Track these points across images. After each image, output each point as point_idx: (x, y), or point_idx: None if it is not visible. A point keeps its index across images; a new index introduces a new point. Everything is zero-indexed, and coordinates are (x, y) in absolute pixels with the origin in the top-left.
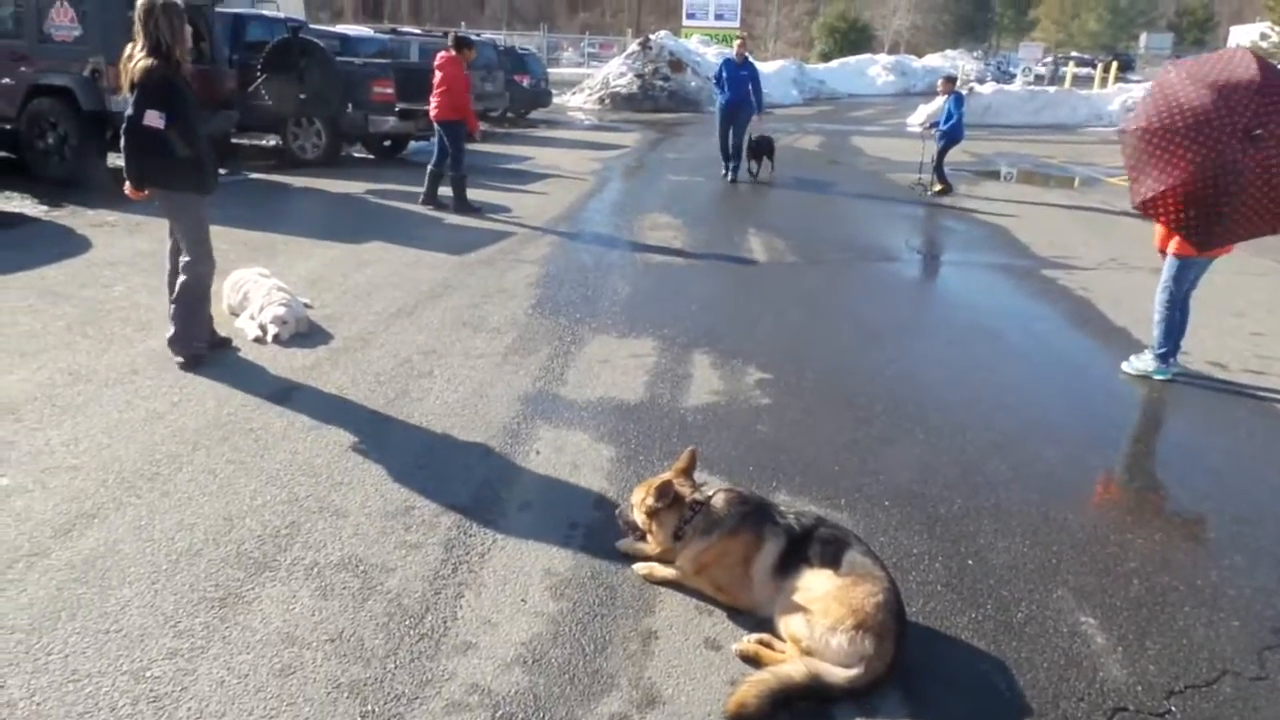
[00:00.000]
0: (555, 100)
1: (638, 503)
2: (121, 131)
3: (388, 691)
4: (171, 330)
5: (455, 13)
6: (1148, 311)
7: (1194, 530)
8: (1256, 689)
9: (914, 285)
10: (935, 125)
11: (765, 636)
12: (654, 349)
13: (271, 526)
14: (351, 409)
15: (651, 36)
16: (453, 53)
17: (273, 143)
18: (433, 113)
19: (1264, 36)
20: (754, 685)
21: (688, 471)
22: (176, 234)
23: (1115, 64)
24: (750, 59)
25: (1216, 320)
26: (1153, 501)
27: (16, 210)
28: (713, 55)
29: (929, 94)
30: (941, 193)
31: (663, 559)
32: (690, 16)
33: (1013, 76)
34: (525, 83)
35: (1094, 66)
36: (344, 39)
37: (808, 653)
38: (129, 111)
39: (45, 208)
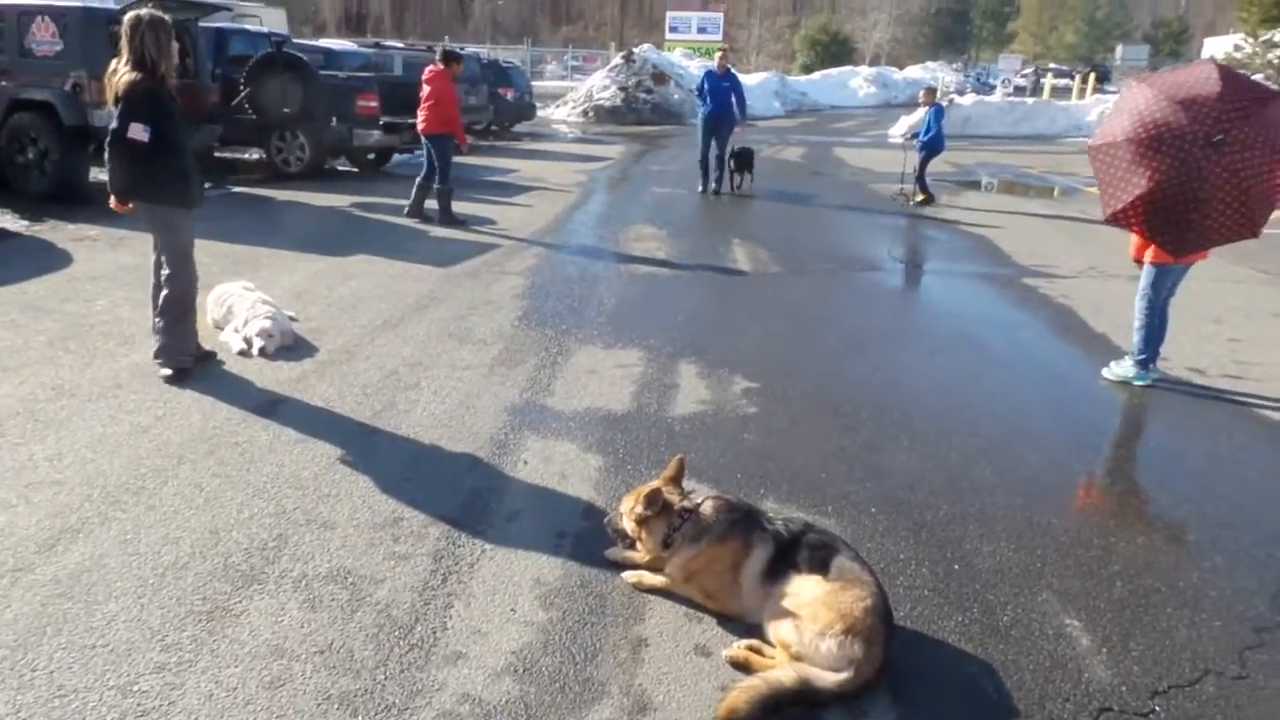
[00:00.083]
0: (539, 113)
1: (627, 511)
2: (106, 144)
3: (378, 702)
4: (157, 344)
5: (438, 27)
6: (1127, 318)
7: (1175, 533)
8: (1238, 688)
9: (898, 294)
10: (916, 136)
11: (755, 642)
12: (640, 359)
13: (259, 539)
14: (338, 421)
15: (635, 50)
16: (441, 67)
17: (256, 156)
18: (420, 126)
19: (1238, 48)
20: (744, 690)
21: (676, 479)
22: (160, 247)
23: (1093, 75)
24: (732, 70)
25: (1195, 327)
26: (1135, 505)
27: None
28: (696, 68)
29: (910, 105)
30: (924, 203)
31: (652, 567)
32: (673, 30)
33: (992, 88)
34: (509, 96)
35: (1072, 78)
36: (327, 53)
37: (797, 658)
38: (113, 125)
39: (26, 223)
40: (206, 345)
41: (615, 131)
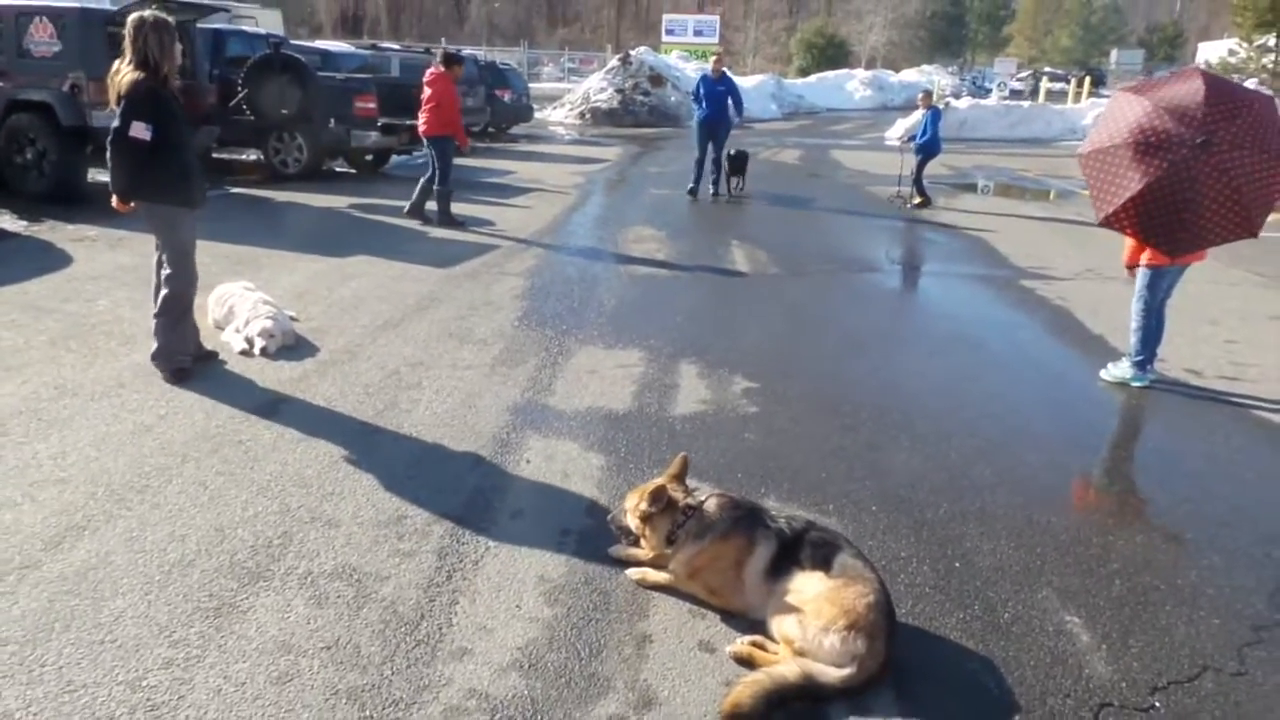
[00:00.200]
0: (536, 115)
1: (631, 508)
2: (108, 143)
3: (385, 697)
4: (155, 346)
5: (434, 28)
6: (1124, 320)
7: (1174, 532)
8: (1237, 684)
9: (896, 296)
10: (913, 139)
11: (758, 638)
12: (641, 359)
13: (264, 537)
14: (341, 420)
15: (632, 52)
16: (442, 69)
17: (254, 157)
18: (422, 128)
19: (1232, 52)
20: (749, 686)
21: (680, 477)
22: (161, 247)
23: (1088, 79)
24: (727, 74)
25: (1191, 328)
26: (1133, 504)
27: None
28: (692, 70)
29: (906, 109)
30: (921, 205)
31: (655, 564)
32: (669, 33)
33: (988, 92)
34: (506, 98)
35: (1067, 81)
36: (325, 55)
37: (801, 653)
38: (115, 124)
39: (25, 223)
40: (208, 345)
41: (612, 133)
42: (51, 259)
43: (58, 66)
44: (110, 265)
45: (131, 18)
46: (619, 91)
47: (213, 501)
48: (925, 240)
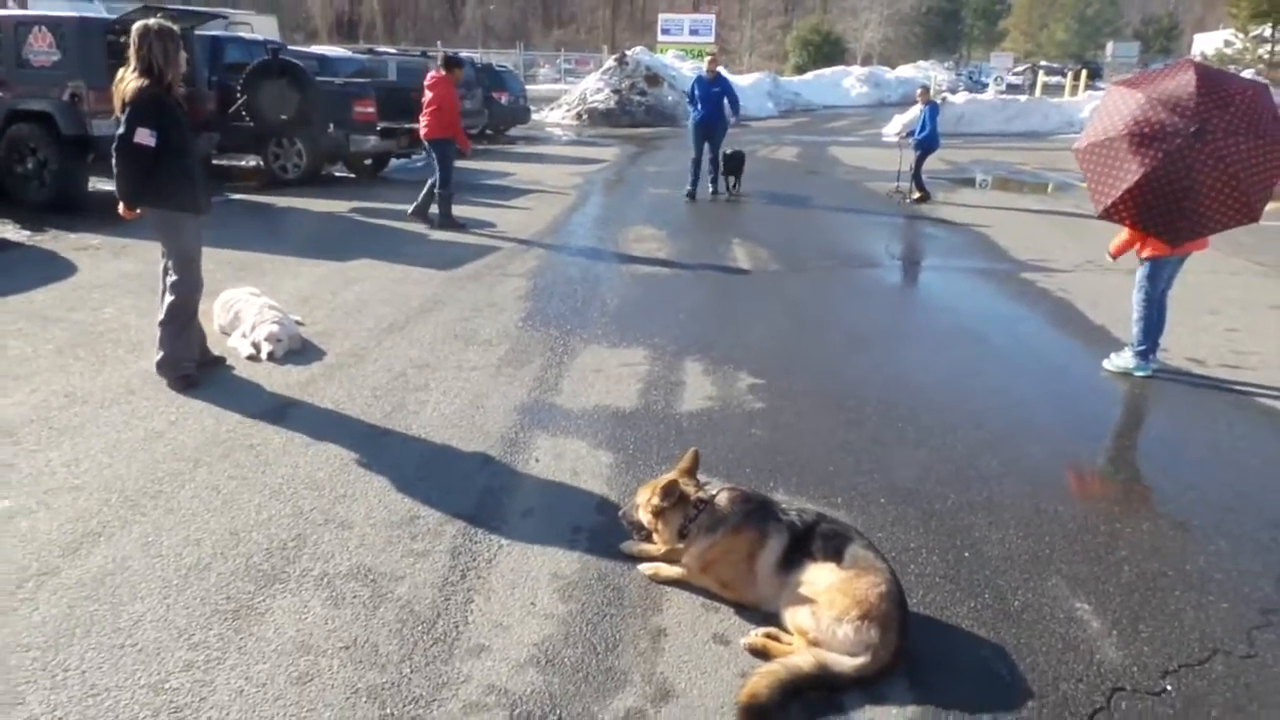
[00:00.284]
0: (533, 117)
1: (643, 503)
2: (113, 150)
3: (405, 695)
4: (160, 354)
5: (430, 32)
6: (1125, 310)
7: (1180, 519)
8: (1247, 666)
9: (898, 290)
10: (912, 134)
11: (772, 630)
12: (645, 357)
13: (278, 539)
14: (349, 423)
15: (628, 52)
16: (443, 72)
17: (253, 163)
18: (423, 131)
19: (1228, 44)
20: (764, 676)
21: (691, 472)
22: (166, 252)
23: (1084, 72)
24: (722, 74)
25: (1193, 318)
26: (1139, 492)
27: None
28: (689, 69)
29: (903, 104)
30: (920, 200)
31: (667, 559)
32: (665, 32)
33: (984, 86)
34: (504, 100)
35: (1064, 75)
36: (322, 59)
37: (815, 644)
38: (120, 130)
39: (28, 233)
40: (215, 350)
41: (610, 134)
42: (56, 268)
43: (57, 76)
44: (115, 273)
45: (136, 25)
46: (616, 92)
47: (226, 505)
48: (925, 235)
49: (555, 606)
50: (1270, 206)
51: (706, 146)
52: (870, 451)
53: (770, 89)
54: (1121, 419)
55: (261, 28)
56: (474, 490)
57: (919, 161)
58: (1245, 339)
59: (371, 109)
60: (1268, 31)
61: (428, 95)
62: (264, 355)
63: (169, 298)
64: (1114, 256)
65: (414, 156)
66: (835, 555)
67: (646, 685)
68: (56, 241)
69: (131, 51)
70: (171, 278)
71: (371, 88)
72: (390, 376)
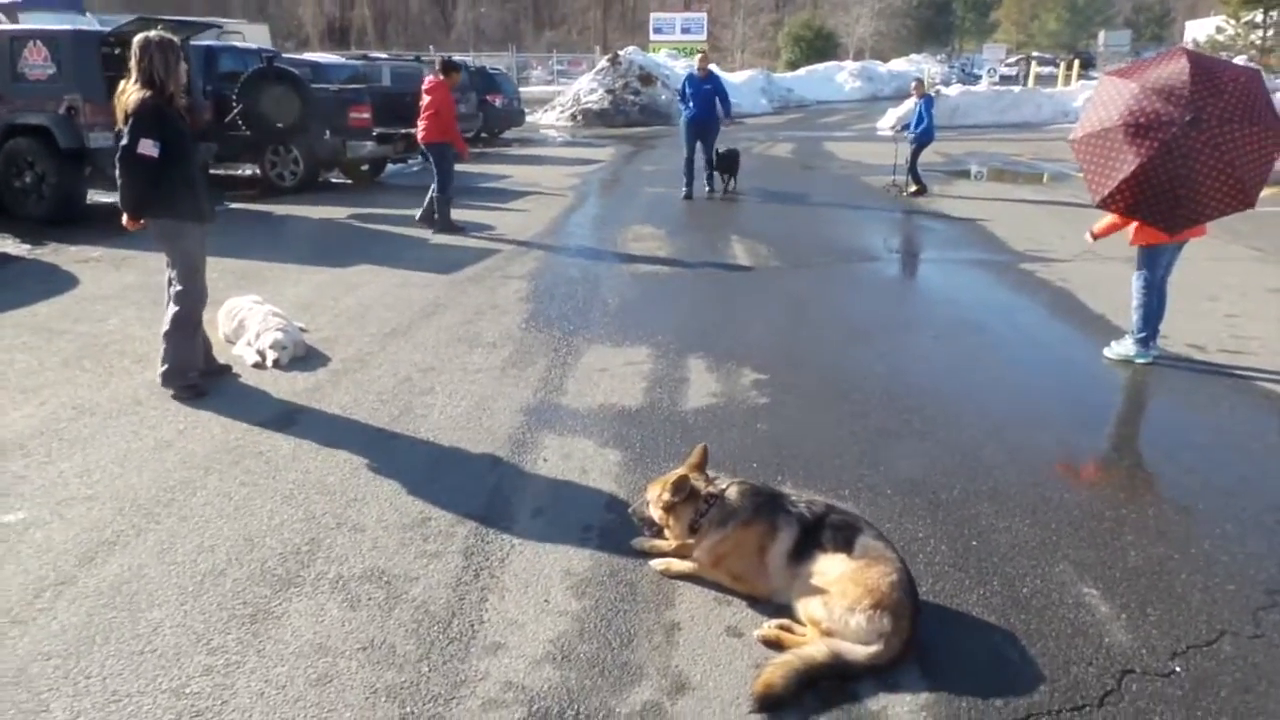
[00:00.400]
0: (527, 119)
1: (654, 499)
2: (116, 161)
3: (424, 693)
4: (164, 366)
5: (421, 36)
6: (1125, 299)
7: (1184, 503)
8: (1254, 646)
9: (898, 284)
10: (907, 128)
11: (785, 621)
12: (649, 356)
13: (292, 544)
14: (357, 428)
15: (621, 52)
16: (441, 77)
17: (250, 172)
18: (420, 135)
19: (1219, 30)
20: (779, 667)
21: (700, 467)
22: (170, 262)
23: (1076, 62)
24: (714, 71)
25: (1192, 305)
26: (1143, 478)
27: None
28: (681, 68)
29: (897, 98)
30: (916, 193)
31: (678, 554)
32: (657, 31)
33: (977, 78)
34: (498, 102)
35: (1056, 65)
36: (316, 66)
37: (828, 634)
38: (124, 141)
39: (28, 246)
40: (221, 359)
41: (604, 134)
42: (58, 281)
43: (53, 89)
44: (117, 285)
45: (137, 38)
46: (609, 92)
47: (238, 512)
48: (923, 228)
49: (569, 603)
50: (1265, 192)
51: (700, 146)
52: (875, 443)
53: (764, 85)
54: (1124, 406)
55: (253, 36)
56: (484, 491)
57: (915, 155)
58: (1245, 324)
59: (367, 115)
60: (1259, 18)
61: (425, 99)
62: (269, 363)
63: (173, 308)
64: (1095, 238)
65: (410, 161)
66: (846, 546)
67: (662, 678)
68: (57, 254)
69: (132, 63)
70: (176, 288)
71: (367, 93)
72: (396, 381)
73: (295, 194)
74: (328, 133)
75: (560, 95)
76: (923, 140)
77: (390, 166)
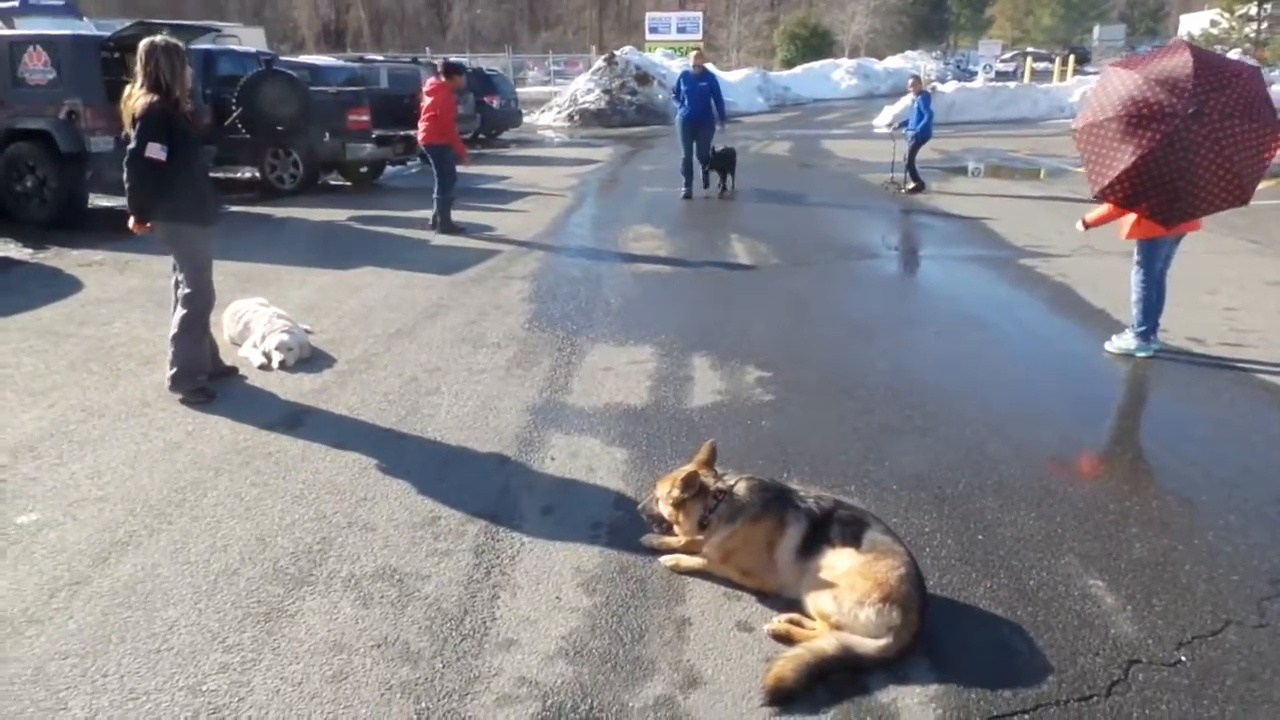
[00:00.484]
0: (525, 120)
1: (663, 495)
2: (124, 165)
3: (439, 689)
4: (173, 369)
5: (417, 38)
6: (1124, 293)
7: (1187, 495)
8: (1259, 635)
9: (899, 280)
10: (904, 125)
11: (795, 616)
12: (653, 354)
13: (304, 543)
14: (365, 428)
15: (617, 52)
16: (443, 79)
17: (249, 175)
18: (420, 137)
19: (1214, 23)
20: (790, 660)
21: (709, 463)
22: (177, 265)
23: (1072, 57)
24: (709, 69)
25: (1191, 298)
26: (1147, 470)
27: (1, 255)
28: (677, 67)
29: (893, 96)
30: (915, 190)
31: (688, 550)
32: (653, 31)
33: (973, 75)
34: (495, 104)
35: (1051, 61)
36: (314, 69)
37: (837, 627)
38: (131, 146)
39: (30, 251)
40: (227, 361)
41: (602, 134)
42: (61, 285)
43: (54, 94)
44: (121, 288)
45: (143, 43)
46: (606, 92)
47: (250, 512)
48: (922, 225)
49: (580, 600)
50: (1261, 185)
51: (695, 145)
52: (880, 439)
53: (760, 84)
54: (1125, 400)
55: (249, 39)
56: (493, 490)
57: (912, 152)
58: (1244, 317)
59: (366, 117)
60: (1253, 10)
61: (427, 101)
62: (275, 364)
63: (181, 310)
64: (1087, 226)
65: (409, 163)
66: (854, 540)
67: (674, 673)
68: (60, 258)
69: (138, 68)
70: (184, 290)
71: (365, 95)
72: (402, 381)
73: (295, 196)
74: (327, 135)
75: (557, 96)
76: (921, 137)
77: (389, 168)
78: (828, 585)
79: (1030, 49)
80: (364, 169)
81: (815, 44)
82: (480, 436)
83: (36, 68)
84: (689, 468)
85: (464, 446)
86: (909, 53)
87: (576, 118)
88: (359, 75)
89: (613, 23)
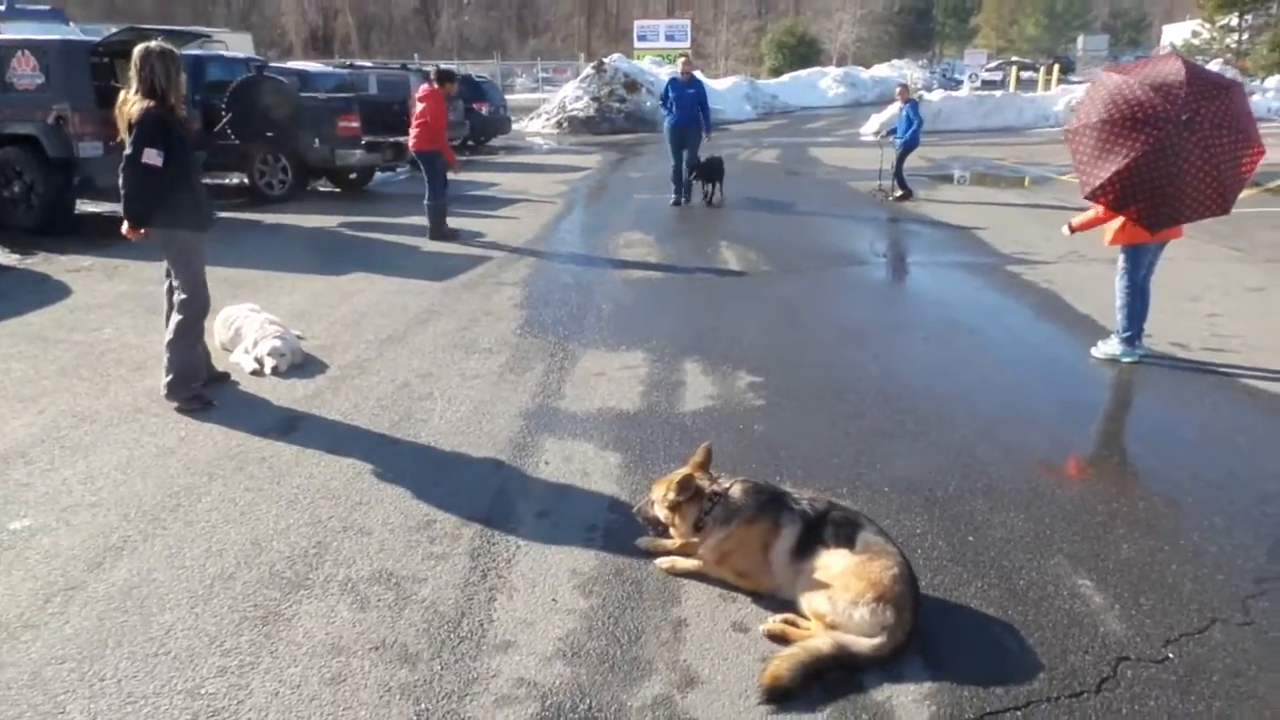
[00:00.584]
0: (514, 126)
1: (659, 498)
2: (120, 171)
3: (437, 691)
4: (169, 376)
5: (405, 44)
6: (1109, 299)
7: (1174, 496)
8: (1244, 633)
9: (888, 287)
10: (892, 133)
11: (790, 616)
12: (645, 360)
13: (299, 548)
14: (359, 433)
15: (606, 59)
16: (435, 86)
17: (238, 181)
18: (411, 144)
19: (1195, 34)
20: (785, 659)
21: (704, 466)
22: (173, 271)
23: (1056, 66)
24: (697, 76)
25: (1174, 304)
26: (1133, 472)
27: None
28: (666, 75)
29: (880, 104)
30: (902, 198)
31: (683, 552)
32: (641, 38)
33: (958, 83)
34: (484, 110)
35: (1036, 70)
36: (303, 75)
37: (832, 627)
38: (127, 151)
39: (18, 256)
40: (219, 367)
41: (590, 141)
42: (50, 290)
43: (42, 99)
44: (110, 294)
45: (138, 48)
46: (595, 99)
47: (244, 516)
48: (910, 232)
49: (577, 602)
50: (1243, 194)
51: (684, 152)
52: (871, 443)
53: (748, 92)
54: (1111, 404)
55: (236, 45)
56: (487, 494)
57: (900, 159)
58: (1226, 323)
59: (356, 123)
60: (1234, 21)
61: (419, 107)
62: (268, 370)
63: (177, 316)
64: (1073, 230)
65: (398, 170)
66: (847, 541)
67: (671, 673)
68: (48, 264)
69: (133, 73)
70: (180, 296)
71: (355, 102)
72: (394, 387)
73: (284, 202)
74: (317, 141)
75: (546, 103)
76: (909, 145)
77: (378, 174)
78: (822, 586)
79: (1015, 58)
80: (353, 175)
81: (803, 52)
82: (474, 441)
83: (25, 72)
84: (684, 471)
85: (458, 451)
86: (895, 61)
87: (565, 125)
88: (349, 81)
89: (601, 30)
